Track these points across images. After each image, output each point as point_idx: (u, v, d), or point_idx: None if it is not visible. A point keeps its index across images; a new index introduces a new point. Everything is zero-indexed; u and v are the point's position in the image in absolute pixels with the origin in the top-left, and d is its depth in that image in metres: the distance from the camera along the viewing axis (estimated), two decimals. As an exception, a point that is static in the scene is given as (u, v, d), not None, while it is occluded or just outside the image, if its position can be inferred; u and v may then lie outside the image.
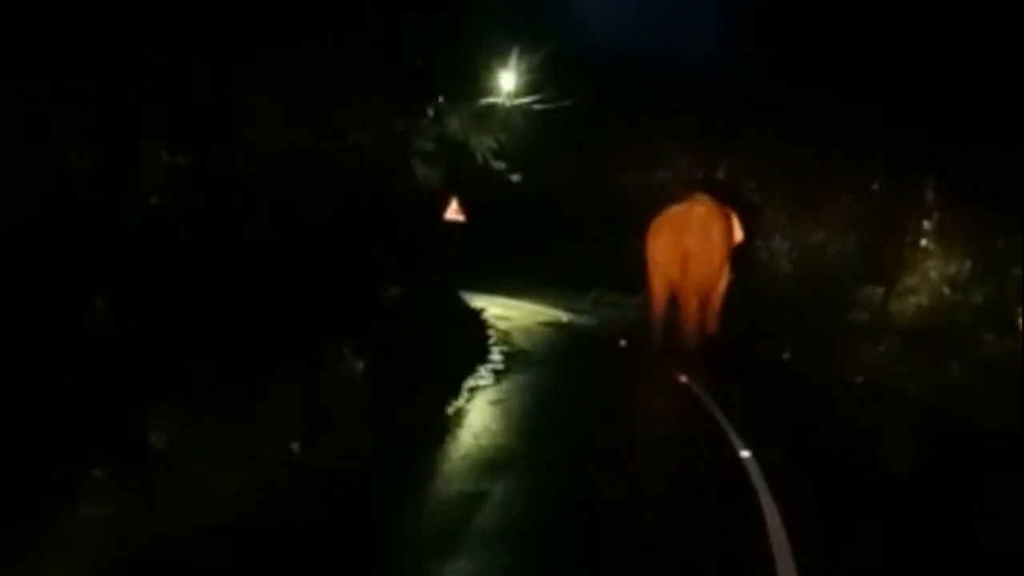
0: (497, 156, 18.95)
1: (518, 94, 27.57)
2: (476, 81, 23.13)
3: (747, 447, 9.75)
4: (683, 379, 14.50)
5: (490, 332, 17.14)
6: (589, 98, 26.99)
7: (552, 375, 14.65)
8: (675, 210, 19.43)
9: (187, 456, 6.92)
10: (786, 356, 18.93)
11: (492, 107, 26.10)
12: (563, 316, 22.85)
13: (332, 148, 13.93)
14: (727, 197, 20.84)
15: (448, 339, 13.63)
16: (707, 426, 11.18)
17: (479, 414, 11.19)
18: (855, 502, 8.34)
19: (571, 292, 25.26)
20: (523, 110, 28.01)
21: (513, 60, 27.13)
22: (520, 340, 17.24)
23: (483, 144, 18.24)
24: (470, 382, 12.76)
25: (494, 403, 11.94)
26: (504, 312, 21.81)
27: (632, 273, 23.18)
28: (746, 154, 24.52)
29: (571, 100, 26.05)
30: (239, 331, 8.79)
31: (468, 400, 11.89)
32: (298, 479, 7.49)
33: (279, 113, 12.28)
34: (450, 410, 11.08)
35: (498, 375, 13.56)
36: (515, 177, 21.04)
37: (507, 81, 27.52)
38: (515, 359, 15.04)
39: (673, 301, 19.46)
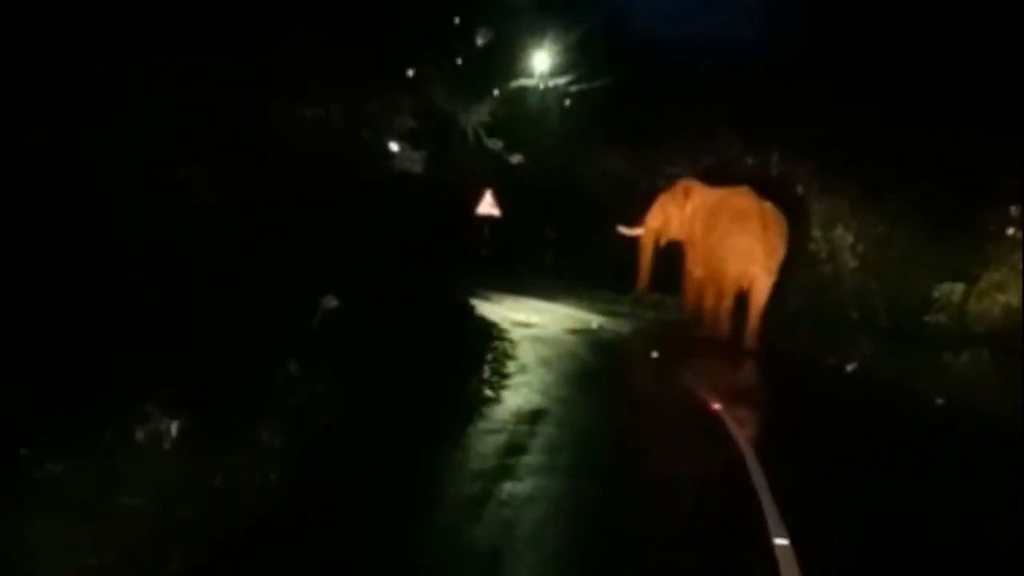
0: (491, 132, 15.72)
1: (552, 74, 24.96)
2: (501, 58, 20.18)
3: (787, 530, 6.45)
4: (716, 406, 11.18)
5: (491, 353, 13.81)
6: (628, 80, 24.44)
7: (552, 430, 10.94)
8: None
9: None
10: (851, 368, 15.52)
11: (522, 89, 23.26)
12: (594, 321, 19.59)
13: (280, 123, 10.91)
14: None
15: (385, 380, 9.30)
16: (734, 496, 7.62)
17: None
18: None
19: (610, 293, 22.11)
20: (558, 92, 25.40)
21: (546, 39, 24.62)
22: (528, 357, 13.97)
23: (472, 119, 14.99)
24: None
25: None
26: (529, 318, 18.69)
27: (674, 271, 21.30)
28: (800, 139, 21.20)
29: (608, 80, 23.26)
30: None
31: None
32: None
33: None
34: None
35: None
36: (515, 158, 17.83)
37: (540, 61, 25.02)
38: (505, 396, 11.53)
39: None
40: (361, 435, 7.90)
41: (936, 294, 18.59)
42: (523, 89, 24.77)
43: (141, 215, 7.81)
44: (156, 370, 6.41)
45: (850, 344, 17.30)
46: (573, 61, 25.08)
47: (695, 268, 18.36)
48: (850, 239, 20.87)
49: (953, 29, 18.61)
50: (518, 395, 11.04)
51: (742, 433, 9.67)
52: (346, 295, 9.61)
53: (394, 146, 13.35)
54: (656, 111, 24.27)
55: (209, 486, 6.00)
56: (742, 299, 17.90)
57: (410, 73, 13.49)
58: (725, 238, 17.46)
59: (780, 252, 17.45)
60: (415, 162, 13.66)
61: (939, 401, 12.92)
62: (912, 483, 8.38)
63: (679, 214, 18.63)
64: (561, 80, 25.18)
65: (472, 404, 9.99)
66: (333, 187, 11.07)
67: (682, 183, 19.24)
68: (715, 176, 19.89)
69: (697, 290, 18.44)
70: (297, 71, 10.98)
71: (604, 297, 21.04)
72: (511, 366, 13.08)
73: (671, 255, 19.18)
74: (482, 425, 9.26)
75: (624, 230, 19.31)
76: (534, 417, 9.78)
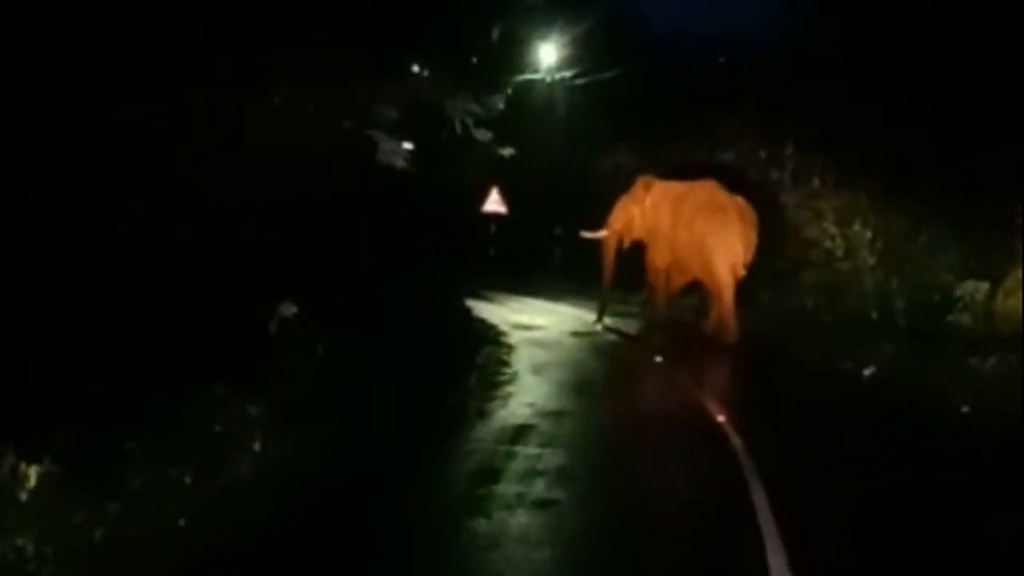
0: (480, 123, 14.65)
1: (559, 67, 24.07)
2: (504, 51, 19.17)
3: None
4: (721, 419, 10.08)
5: (483, 359, 12.67)
6: (638, 73, 23.58)
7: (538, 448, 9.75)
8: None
9: None
10: (868, 373, 14.36)
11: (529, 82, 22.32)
12: (600, 323, 18.48)
13: (248, 112, 9.89)
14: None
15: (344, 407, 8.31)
16: (734, 535, 6.55)
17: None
18: None
19: (620, 292, 20.95)
20: (566, 85, 24.50)
21: (553, 31, 23.76)
22: (523, 364, 12.90)
23: (460, 108, 13.91)
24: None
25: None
26: (531, 319, 17.70)
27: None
28: (816, 131, 20.15)
29: (616, 71, 22.37)
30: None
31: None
32: None
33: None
34: None
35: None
36: (507, 151, 16.76)
37: (547, 53, 24.18)
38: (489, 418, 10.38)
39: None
40: (292, 474, 6.80)
41: (959, 293, 17.35)
42: (529, 82, 23.88)
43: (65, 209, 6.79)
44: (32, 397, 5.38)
45: (868, 346, 16.14)
46: (581, 53, 24.17)
47: (658, 258, 17.84)
48: (868, 235, 19.72)
49: (978, 20, 17.65)
50: (504, 408, 10.00)
51: (748, 454, 8.56)
52: (313, 301, 8.55)
53: (384, 138, 12.30)
54: (668, 104, 23.32)
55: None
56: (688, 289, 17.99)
57: (397, 60, 12.45)
58: (704, 233, 16.94)
59: (754, 246, 17.12)
60: (398, 155, 12.63)
61: (964, 409, 11.78)
62: (941, 505, 7.30)
63: (640, 211, 18.10)
64: (568, 73, 24.28)
65: (448, 422, 8.91)
66: (308, 181, 10.01)
67: (640, 180, 18.62)
68: (681, 173, 19.05)
69: (662, 280, 18.01)
70: (264, 51, 9.92)
71: (614, 296, 19.90)
72: (503, 374, 12.05)
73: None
74: (456, 446, 8.19)
75: (587, 234, 18.79)
76: (517, 435, 8.72)
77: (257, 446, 6.54)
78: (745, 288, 21.18)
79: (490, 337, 14.69)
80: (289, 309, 8.33)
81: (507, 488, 7.03)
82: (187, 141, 8.48)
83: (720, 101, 22.23)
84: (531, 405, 10.21)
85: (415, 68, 13.86)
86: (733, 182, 18.09)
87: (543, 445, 8.36)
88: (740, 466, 8.08)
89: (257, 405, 6.92)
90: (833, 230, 20.26)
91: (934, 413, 11.72)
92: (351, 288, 10.04)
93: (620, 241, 18.40)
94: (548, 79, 24.51)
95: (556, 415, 9.72)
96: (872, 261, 19.51)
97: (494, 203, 23.72)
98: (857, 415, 11.35)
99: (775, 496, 7.07)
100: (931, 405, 12.13)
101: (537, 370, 12.53)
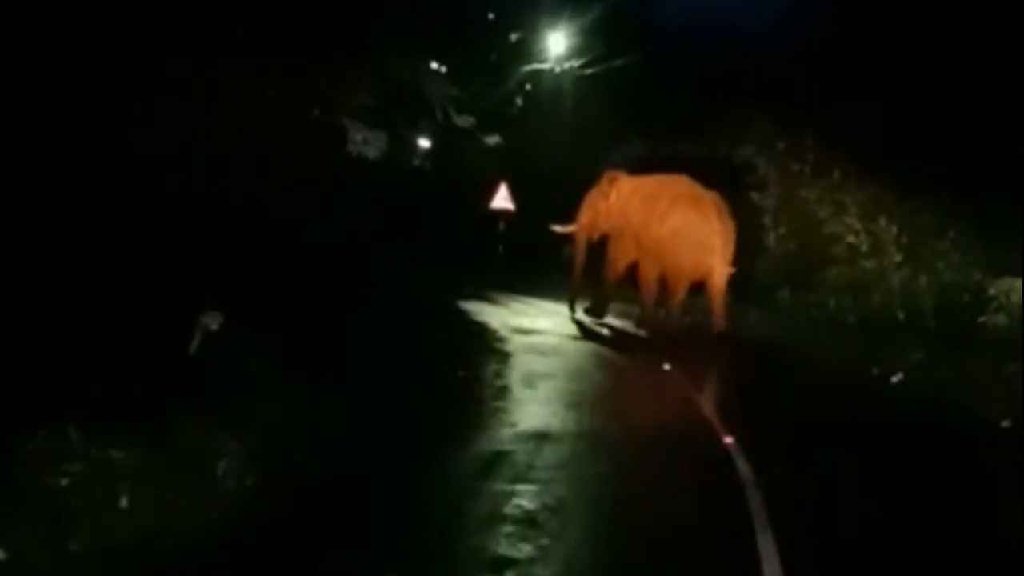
0: (462, 109, 13.30)
1: (568, 56, 22.87)
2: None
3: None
4: (728, 440, 8.70)
5: (469, 371, 11.29)
6: (652, 64, 22.39)
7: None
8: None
9: None
10: (897, 379, 12.95)
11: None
12: (607, 326, 17.13)
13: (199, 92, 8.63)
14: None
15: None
16: None
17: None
18: None
19: (634, 292, 19.60)
20: (575, 76, 23.27)
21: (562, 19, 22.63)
22: (514, 375, 11.52)
23: (439, 93, 12.55)
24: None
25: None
26: (533, 323, 16.42)
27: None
28: (838, 122, 18.69)
29: (628, 59, 21.19)
30: None
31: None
32: None
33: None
34: None
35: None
36: (492, 140, 15.45)
37: (556, 42, 23.01)
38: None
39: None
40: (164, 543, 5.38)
41: (992, 292, 15.93)
42: (537, 72, 22.72)
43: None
44: None
45: (896, 350, 14.74)
46: (590, 42, 22.96)
47: (624, 255, 17.18)
48: (894, 230, 18.30)
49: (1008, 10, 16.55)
50: (483, 431, 8.63)
51: (756, 487, 7.19)
52: (251, 309, 7.22)
53: (357, 126, 10.96)
54: (681, 96, 22.01)
55: None
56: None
57: (368, 41, 11.15)
58: (679, 228, 16.24)
59: (733, 240, 16.44)
60: (371, 144, 11.30)
61: (1005, 424, 10.37)
62: (990, 551, 5.95)
63: (606, 207, 17.49)
64: (577, 62, 23.05)
65: (406, 456, 7.45)
66: (259, 174, 8.72)
67: (607, 175, 17.95)
68: (650, 167, 18.35)
69: (617, 275, 17.41)
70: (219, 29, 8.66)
71: (628, 296, 18.48)
72: (492, 387, 10.68)
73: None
74: (408, 490, 6.76)
75: (558, 228, 18.22)
76: (488, 467, 7.36)
77: (125, 502, 5.19)
78: (762, 287, 19.94)
79: (484, 344, 13.33)
80: (214, 320, 7.02)
81: (462, 542, 5.74)
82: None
83: (734, 92, 20.88)
84: (514, 426, 8.85)
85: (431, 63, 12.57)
86: (703, 176, 17.34)
87: (515, 479, 7.02)
88: (746, 506, 6.71)
89: (135, 448, 5.55)
90: (857, 225, 18.98)
91: (972, 429, 10.34)
92: (307, 293, 8.72)
93: (589, 236, 17.86)
94: (557, 69, 23.24)
95: (538, 439, 8.36)
96: (898, 258, 18.13)
97: (502, 200, 22.55)
98: (885, 433, 9.91)
99: (785, 546, 5.73)
100: (968, 420, 10.74)
101: (530, 382, 11.16)
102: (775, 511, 6.50)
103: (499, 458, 7.62)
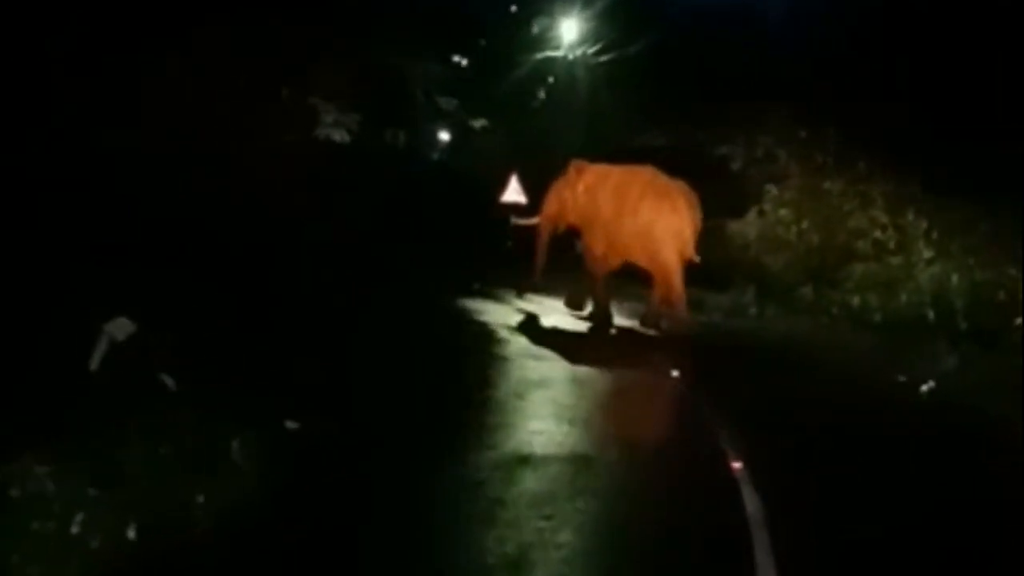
0: (445, 91, 12.11)
1: (582, 43, 21.80)
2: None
3: None
4: (737, 466, 7.50)
5: (451, 382, 10.03)
6: (667, 51, 21.32)
7: None
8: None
9: None
10: (926, 389, 11.66)
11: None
12: (615, 325, 15.94)
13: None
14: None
15: None
16: None
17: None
18: None
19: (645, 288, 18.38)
20: (589, 64, 22.15)
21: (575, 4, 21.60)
22: (506, 387, 10.31)
23: (417, 71, 11.36)
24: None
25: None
26: (539, 323, 15.11)
27: (724, 262, 18.86)
28: (861, 110, 17.77)
29: (641, 45, 20.12)
30: None
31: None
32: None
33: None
34: None
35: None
36: (478, 124, 14.31)
37: (569, 29, 21.96)
38: None
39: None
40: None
41: (1034, 288, 14.69)
42: (550, 60, 21.63)
43: None
44: None
45: (926, 354, 13.47)
46: (604, 28, 21.85)
47: (595, 246, 16.30)
48: (924, 224, 17.05)
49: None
50: (454, 455, 7.41)
51: (763, 526, 5.99)
52: (177, 314, 6.05)
53: (327, 108, 9.75)
54: (698, 84, 20.76)
55: None
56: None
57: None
58: (652, 219, 15.41)
59: (699, 230, 15.79)
60: (341, 126, 10.12)
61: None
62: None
63: (572, 198, 16.62)
64: (591, 49, 21.95)
65: (350, 498, 6.26)
66: (227, 155, 7.56)
67: (573, 164, 16.93)
68: (616, 157, 17.24)
69: (601, 269, 16.25)
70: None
71: (636, 294, 17.23)
72: (479, 398, 9.49)
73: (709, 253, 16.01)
74: (348, 534, 5.62)
75: (520, 220, 17.54)
76: (448, 504, 6.18)
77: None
78: (782, 283, 18.75)
79: (478, 347, 12.14)
80: (122, 329, 5.88)
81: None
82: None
83: (752, 79, 19.80)
84: (492, 448, 7.66)
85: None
86: (670, 166, 16.27)
87: (475, 519, 5.85)
88: (749, 553, 5.52)
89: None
90: (883, 218, 17.88)
91: (1018, 451, 9.01)
92: (254, 294, 7.54)
93: (554, 227, 17.08)
94: (570, 56, 22.11)
95: (518, 464, 7.17)
96: (928, 254, 16.93)
97: (514, 192, 21.44)
98: (915, 454, 8.62)
99: None
100: (1012, 439, 9.39)
101: (523, 392, 9.96)
102: (781, 552, 5.32)
103: (465, 492, 6.45)
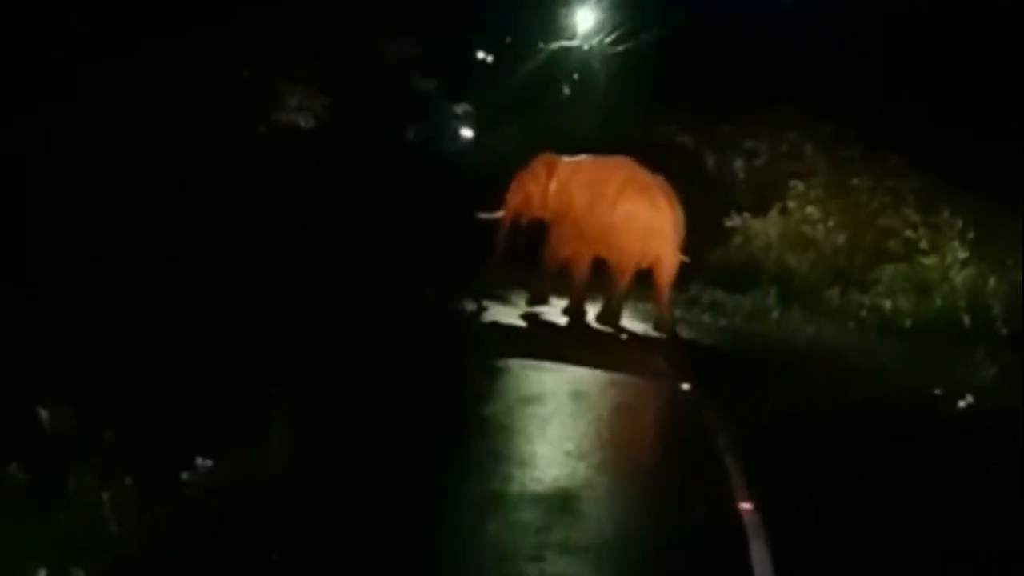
0: (425, 71, 11.11)
1: (598, 31, 20.96)
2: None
3: None
4: (746, 506, 6.42)
5: (444, 397, 8.99)
6: (689, 41, 20.50)
7: None
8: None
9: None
10: (964, 404, 10.51)
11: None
12: (626, 330, 14.96)
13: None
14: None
15: None
16: None
17: None
18: None
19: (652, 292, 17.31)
20: (605, 54, 21.28)
21: None
22: (502, 402, 9.27)
23: (389, 44, 10.36)
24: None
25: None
26: (541, 328, 14.27)
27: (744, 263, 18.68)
28: (891, 104, 17.13)
29: (660, 33, 19.30)
30: None
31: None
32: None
33: None
34: None
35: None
36: (460, 109, 13.34)
37: (585, 17, 21.20)
38: None
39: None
40: None
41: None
42: (566, 50, 20.80)
43: None
44: None
45: (963, 363, 12.37)
46: (621, 16, 20.98)
47: (564, 244, 15.76)
48: (959, 223, 16.08)
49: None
50: (422, 495, 6.36)
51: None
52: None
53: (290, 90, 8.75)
54: (726, 76, 19.69)
55: None
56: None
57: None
58: (630, 215, 14.89)
59: (683, 226, 15.09)
60: (306, 110, 9.08)
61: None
62: None
63: (540, 191, 15.94)
64: (608, 38, 21.07)
65: (299, 550, 5.27)
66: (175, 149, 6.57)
67: (542, 158, 16.31)
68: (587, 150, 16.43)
69: (566, 267, 15.79)
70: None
71: (642, 295, 16.19)
72: (469, 417, 8.49)
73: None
74: None
75: (483, 215, 16.53)
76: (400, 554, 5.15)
77: None
78: (808, 285, 17.74)
79: (471, 356, 11.09)
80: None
81: None
82: None
83: (773, 74, 19.04)
84: (462, 479, 6.62)
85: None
86: (646, 160, 15.63)
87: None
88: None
89: None
90: (915, 217, 16.98)
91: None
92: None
93: (517, 220, 16.34)
94: (586, 46, 21.20)
95: (493, 503, 6.13)
96: (963, 254, 15.97)
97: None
98: (954, 486, 7.50)
99: None
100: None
101: (512, 410, 8.93)
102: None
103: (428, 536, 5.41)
